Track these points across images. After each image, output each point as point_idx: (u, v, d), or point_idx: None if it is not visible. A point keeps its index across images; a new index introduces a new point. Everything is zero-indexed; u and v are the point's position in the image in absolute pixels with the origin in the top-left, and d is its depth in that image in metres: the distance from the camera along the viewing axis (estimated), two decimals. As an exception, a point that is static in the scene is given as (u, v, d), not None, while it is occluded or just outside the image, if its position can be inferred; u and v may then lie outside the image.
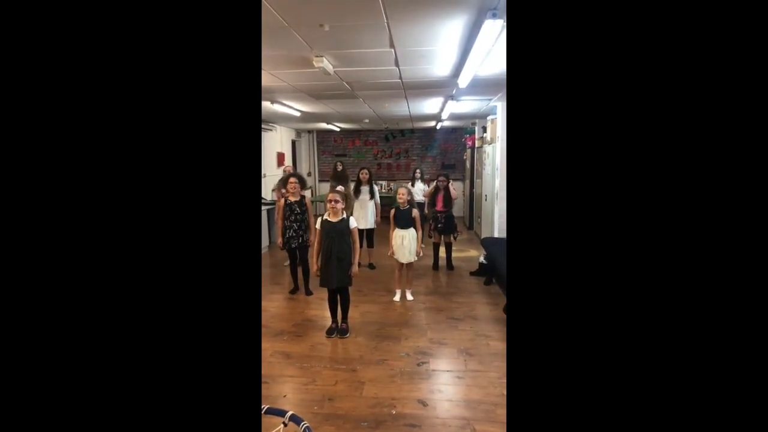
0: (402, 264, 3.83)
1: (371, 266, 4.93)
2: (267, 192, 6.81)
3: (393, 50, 2.79)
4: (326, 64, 2.95)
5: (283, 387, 2.44)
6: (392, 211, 3.88)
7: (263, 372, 2.57)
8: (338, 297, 3.14)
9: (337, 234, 2.98)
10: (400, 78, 3.69)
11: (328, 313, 3.22)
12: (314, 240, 3.19)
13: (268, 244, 6.05)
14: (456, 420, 2.09)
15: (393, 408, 2.19)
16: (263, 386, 2.42)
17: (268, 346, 2.93)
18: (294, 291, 4.10)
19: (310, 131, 9.49)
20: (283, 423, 1.04)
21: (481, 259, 4.66)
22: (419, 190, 5.79)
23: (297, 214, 3.88)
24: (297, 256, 4.02)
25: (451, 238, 4.80)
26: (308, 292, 4.04)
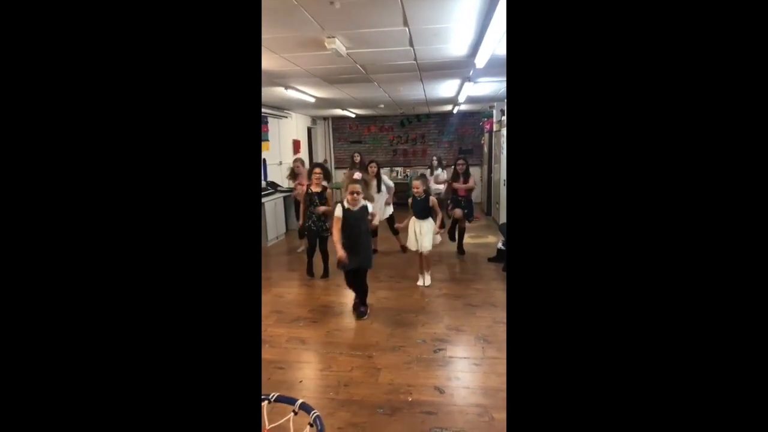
0: (420, 251, 3.78)
1: (404, 249, 4.74)
2: (283, 179, 6.81)
3: (407, 29, 2.69)
4: (339, 45, 2.88)
5: (299, 373, 2.43)
6: (410, 200, 3.86)
7: (279, 358, 2.57)
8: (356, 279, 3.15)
9: (356, 221, 3.00)
10: (415, 59, 3.58)
11: (344, 299, 3.21)
12: (333, 227, 3.17)
13: (285, 231, 6.07)
14: (473, 407, 2.05)
15: (409, 395, 2.16)
16: (279, 372, 2.42)
17: (284, 332, 2.94)
18: (309, 272, 4.16)
19: (325, 118, 9.43)
20: (293, 411, 1.01)
21: (499, 245, 4.57)
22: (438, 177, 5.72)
23: (317, 205, 3.96)
24: (316, 244, 4.09)
25: (465, 223, 4.80)
26: (326, 274, 4.12)
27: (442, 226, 3.80)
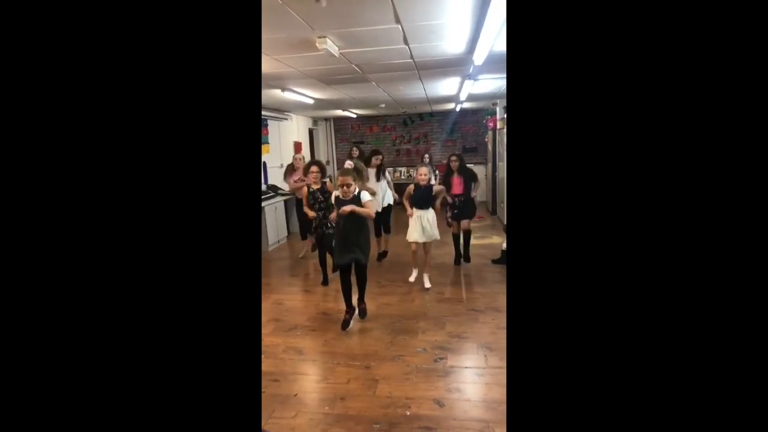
0: (419, 244, 3.67)
1: (383, 255, 4.71)
2: (283, 182, 6.74)
3: (400, 26, 2.59)
4: (330, 45, 2.79)
5: (294, 385, 2.35)
6: (410, 187, 3.70)
7: (275, 369, 2.49)
8: (351, 278, 3.03)
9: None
10: (412, 57, 3.48)
11: (343, 306, 3.10)
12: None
13: (286, 234, 6.00)
14: (474, 422, 1.95)
15: (407, 408, 2.07)
16: (274, 385, 2.34)
17: (280, 342, 2.86)
18: (325, 282, 4.01)
19: (326, 119, 9.35)
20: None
21: (504, 246, 4.45)
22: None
23: (320, 201, 3.83)
24: (324, 245, 3.98)
25: (468, 224, 4.31)
26: (334, 269, 4.02)
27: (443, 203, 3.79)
